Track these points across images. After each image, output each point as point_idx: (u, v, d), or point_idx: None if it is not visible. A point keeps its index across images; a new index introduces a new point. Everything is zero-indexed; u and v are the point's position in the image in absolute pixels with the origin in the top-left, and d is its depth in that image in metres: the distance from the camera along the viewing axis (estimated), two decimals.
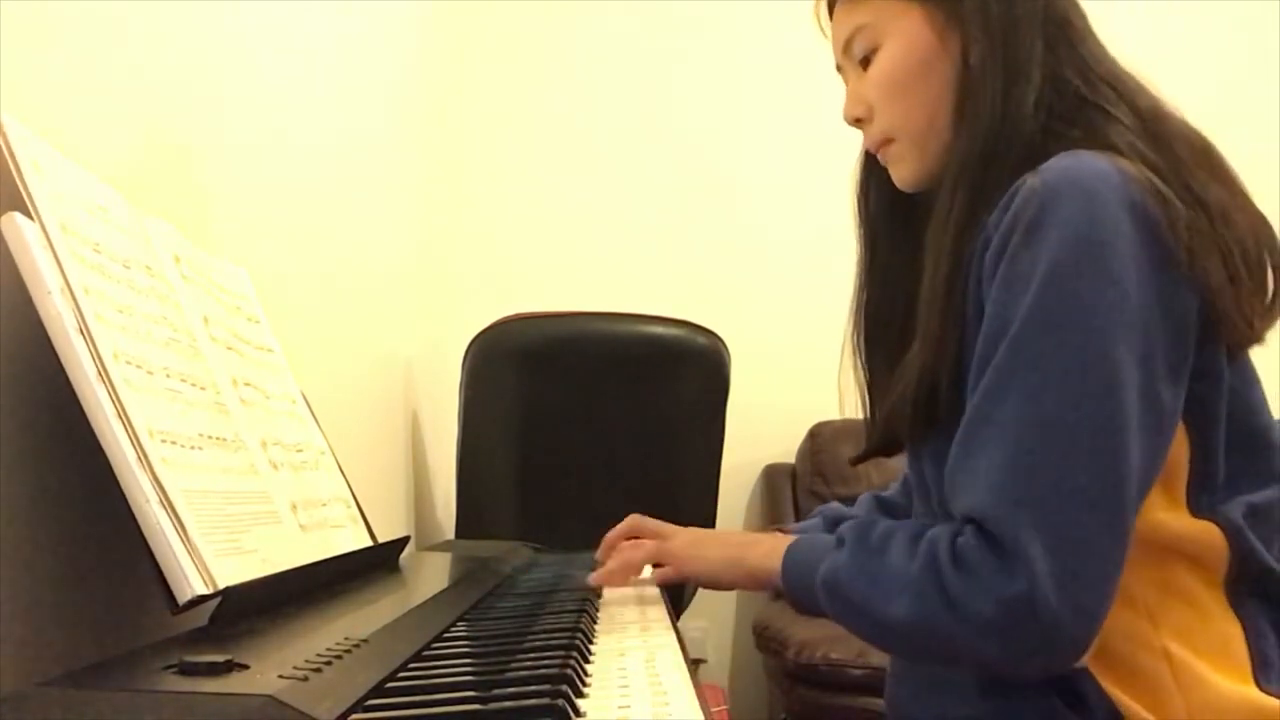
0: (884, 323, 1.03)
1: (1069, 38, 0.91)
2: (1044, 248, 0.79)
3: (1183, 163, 0.86)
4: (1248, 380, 0.86)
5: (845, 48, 0.98)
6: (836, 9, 0.99)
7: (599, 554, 1.13)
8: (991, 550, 0.77)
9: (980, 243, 0.85)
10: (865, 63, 0.97)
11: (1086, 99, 0.89)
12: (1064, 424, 0.77)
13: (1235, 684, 0.81)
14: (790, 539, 0.96)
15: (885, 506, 1.18)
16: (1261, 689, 0.81)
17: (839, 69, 1.01)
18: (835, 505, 1.22)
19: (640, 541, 1.09)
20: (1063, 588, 0.74)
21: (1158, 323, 0.79)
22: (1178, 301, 0.80)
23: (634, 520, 1.13)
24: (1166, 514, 0.83)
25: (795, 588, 0.92)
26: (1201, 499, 0.84)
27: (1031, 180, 0.82)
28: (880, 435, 1.01)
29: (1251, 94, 2.96)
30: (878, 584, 0.83)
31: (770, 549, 0.96)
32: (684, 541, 1.06)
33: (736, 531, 1.06)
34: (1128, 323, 0.78)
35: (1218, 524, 0.83)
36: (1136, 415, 0.78)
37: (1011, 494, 0.77)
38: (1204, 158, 0.88)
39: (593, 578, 1.06)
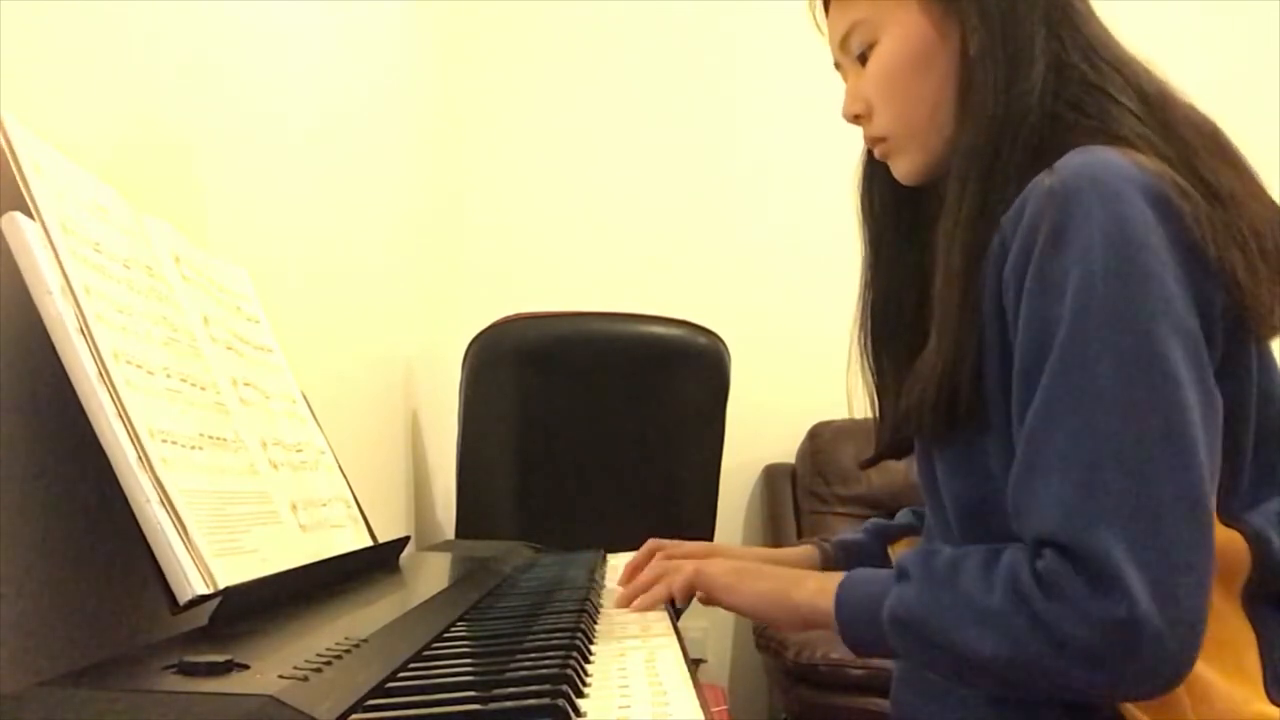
0: (891, 322, 1.01)
1: (1072, 21, 0.89)
2: (1075, 251, 0.76)
3: (1193, 150, 0.83)
4: (1271, 377, 0.83)
5: (842, 44, 0.96)
6: (832, 5, 0.97)
7: (620, 581, 1.05)
8: (1081, 573, 0.73)
9: (996, 244, 0.82)
10: (864, 59, 0.95)
11: (1093, 84, 0.86)
12: (1130, 432, 0.74)
13: (1247, 697, 0.79)
14: (838, 576, 0.88)
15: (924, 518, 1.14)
16: (1273, 702, 0.79)
17: (837, 66, 1.00)
18: (879, 520, 1.17)
19: (675, 564, 0.99)
20: (1163, 605, 0.71)
21: (1195, 318, 0.77)
22: (1207, 295, 0.78)
23: (653, 544, 1.08)
24: None
25: (853, 626, 0.85)
26: (1232, 504, 0.81)
27: (1048, 180, 0.79)
28: (891, 437, 0.99)
29: (1252, 85, 2.96)
30: (957, 618, 0.78)
31: (819, 587, 0.89)
32: (723, 569, 0.97)
33: (775, 566, 0.99)
34: (1173, 320, 0.75)
35: (1242, 532, 0.81)
36: (1199, 413, 0.75)
37: (1089, 511, 0.73)
38: (1213, 143, 0.85)
39: (618, 600, 0.98)
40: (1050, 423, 0.76)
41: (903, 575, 0.83)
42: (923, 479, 0.96)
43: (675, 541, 1.10)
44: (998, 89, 0.86)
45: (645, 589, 0.97)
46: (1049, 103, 0.86)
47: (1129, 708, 0.79)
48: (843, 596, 0.86)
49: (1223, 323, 0.79)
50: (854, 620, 0.85)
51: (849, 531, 1.18)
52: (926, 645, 0.80)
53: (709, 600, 0.97)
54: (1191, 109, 0.88)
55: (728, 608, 0.96)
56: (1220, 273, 0.78)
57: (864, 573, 0.88)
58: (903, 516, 1.17)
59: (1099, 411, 0.74)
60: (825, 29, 1.00)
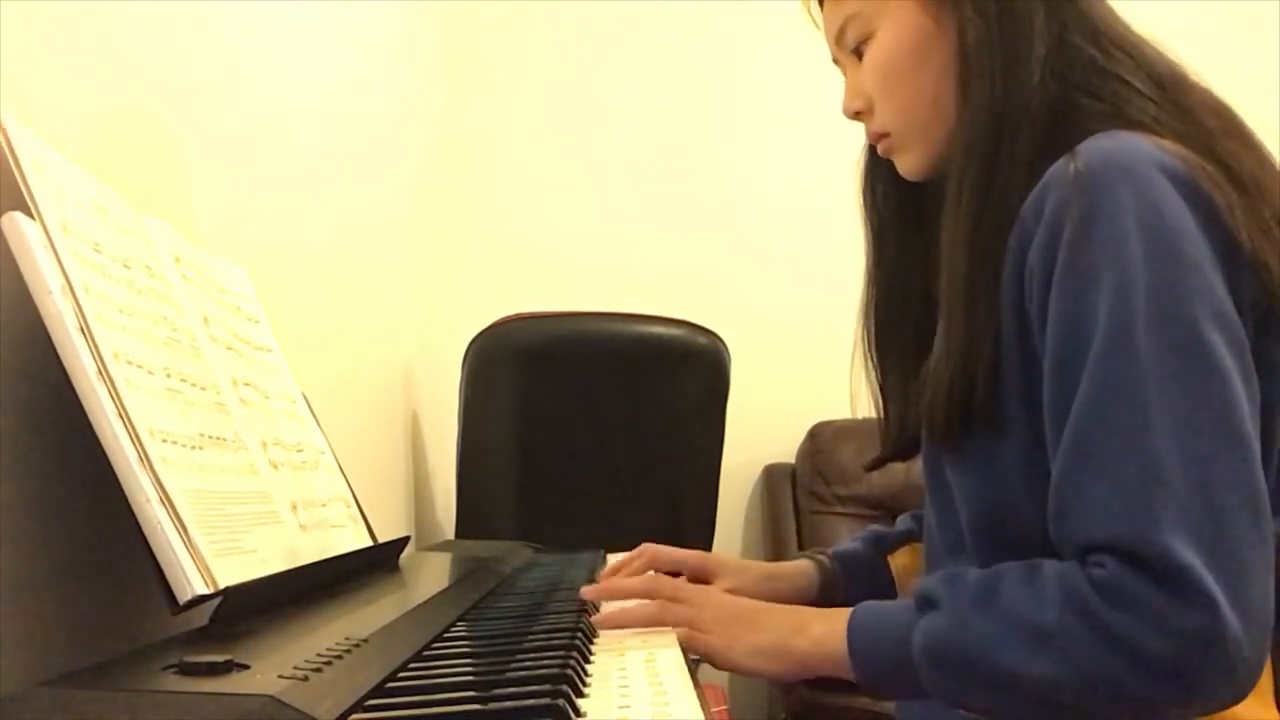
0: (896, 320, 0.98)
1: (1074, 2, 0.86)
2: (1108, 239, 0.73)
3: (1211, 134, 0.80)
4: None
5: (838, 39, 0.94)
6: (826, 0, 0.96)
7: (603, 575, 1.01)
8: (1156, 581, 0.68)
9: (1015, 235, 0.79)
10: (860, 53, 0.92)
11: (1103, 67, 0.84)
12: (1186, 430, 0.70)
13: (1256, 708, 0.77)
14: (841, 615, 0.83)
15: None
16: None
17: (835, 62, 0.98)
18: (876, 528, 1.14)
19: (676, 601, 0.89)
20: (1241, 611, 0.67)
21: (1233, 308, 0.74)
22: (1239, 285, 0.75)
23: (646, 552, 1.03)
24: None
25: (873, 668, 0.80)
26: None
27: (1073, 165, 0.76)
28: (897, 439, 0.97)
29: (1252, 84, 2.95)
30: (1004, 641, 0.72)
31: (825, 632, 0.83)
32: (716, 622, 0.87)
33: (770, 607, 0.92)
34: (1215, 309, 0.72)
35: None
36: (1247, 408, 0.72)
37: (1154, 516, 0.69)
38: (1230, 126, 0.83)
39: (595, 595, 0.92)
40: (1098, 420, 0.72)
41: (928, 604, 0.78)
42: (930, 481, 0.93)
43: (669, 549, 1.06)
44: (996, 77, 0.83)
45: (633, 594, 0.91)
46: (1054, 88, 0.83)
47: None
48: (856, 640, 0.81)
49: (1252, 315, 0.76)
50: (873, 661, 0.80)
51: (846, 542, 1.14)
52: (969, 677, 0.75)
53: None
54: (1206, 91, 0.86)
55: (723, 669, 0.87)
56: (1253, 262, 0.75)
57: (872, 608, 0.83)
58: (902, 523, 1.14)
59: (1151, 409, 0.70)
60: (820, 24, 0.98)
